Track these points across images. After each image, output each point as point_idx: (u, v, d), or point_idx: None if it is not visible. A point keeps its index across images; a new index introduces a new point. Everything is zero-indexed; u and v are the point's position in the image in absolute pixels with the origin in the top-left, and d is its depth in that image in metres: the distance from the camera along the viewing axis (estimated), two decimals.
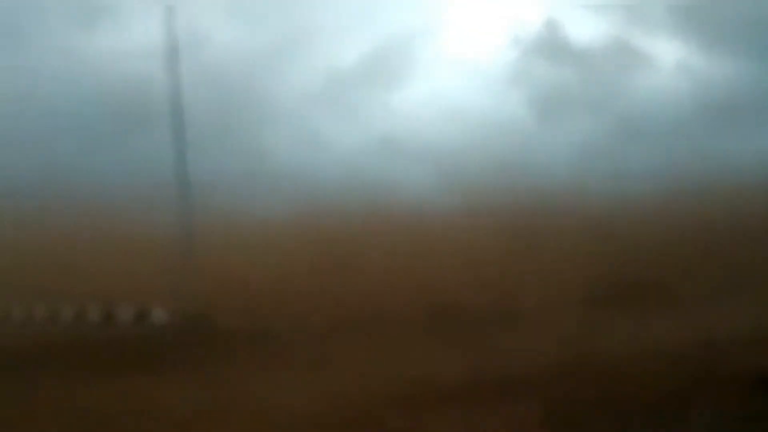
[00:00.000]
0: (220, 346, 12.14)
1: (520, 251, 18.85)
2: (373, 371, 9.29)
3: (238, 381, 9.72)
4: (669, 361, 9.47)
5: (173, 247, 14.63)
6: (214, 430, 7.90)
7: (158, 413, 8.43)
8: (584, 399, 7.97)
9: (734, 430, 7.31)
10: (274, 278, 17.27)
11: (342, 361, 10.04)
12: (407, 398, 8.20)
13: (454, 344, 11.25)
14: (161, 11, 16.36)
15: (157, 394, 9.30)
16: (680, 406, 7.67)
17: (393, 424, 7.57)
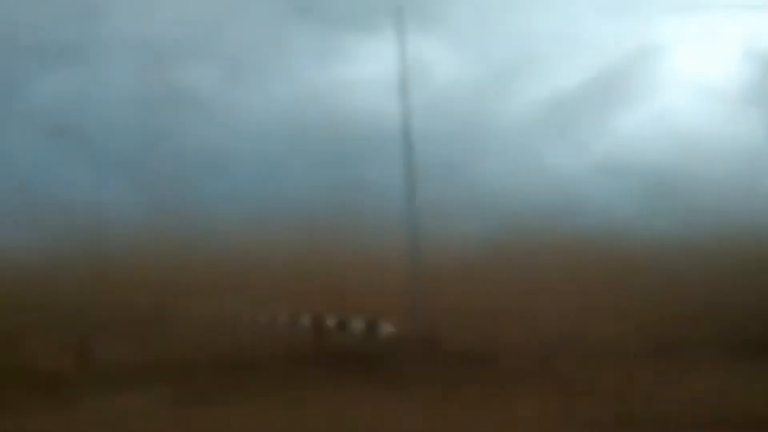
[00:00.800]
0: (446, 365, 12.31)
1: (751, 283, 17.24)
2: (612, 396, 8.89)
3: (465, 401, 9.77)
4: None
5: (402, 268, 15.17)
6: None
7: (384, 427, 8.68)
8: None
9: None
10: (499, 301, 17.30)
11: (576, 386, 9.73)
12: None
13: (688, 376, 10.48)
14: (391, 44, 17.24)
15: (382, 407, 9.58)
16: None
17: None
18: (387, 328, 15.48)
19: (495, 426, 8.33)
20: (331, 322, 16.61)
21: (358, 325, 16.27)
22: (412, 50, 17.54)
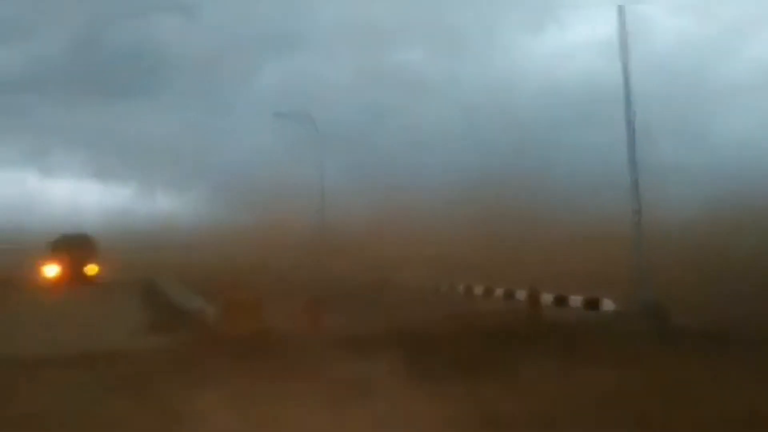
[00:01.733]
0: (673, 342, 11.61)
1: None
2: None
3: (691, 379, 9.11)
4: None
5: (625, 238, 14.49)
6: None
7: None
8: None
9: None
10: (724, 275, 15.95)
11: None
12: None
13: None
14: (606, 8, 16.24)
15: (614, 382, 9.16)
16: None
17: None
18: (608, 305, 14.88)
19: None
20: (549, 297, 16.31)
21: (577, 300, 15.84)
22: (631, 11, 16.41)
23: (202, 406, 8.49)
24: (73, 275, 33.53)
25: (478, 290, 20.41)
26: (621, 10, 13.94)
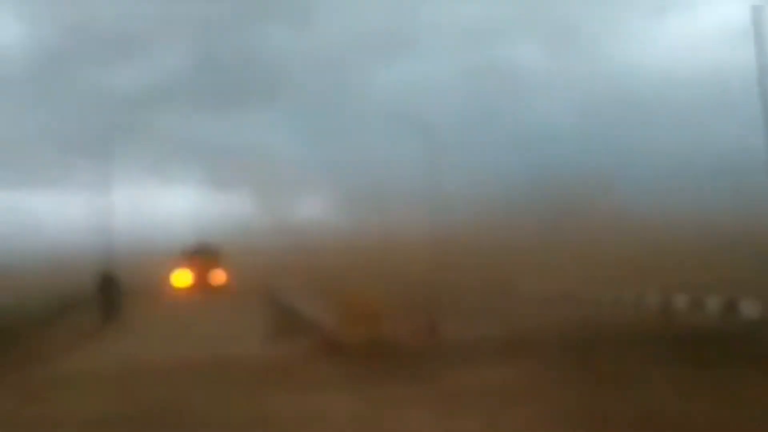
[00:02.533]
0: None
1: None
2: None
3: None
4: None
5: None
6: None
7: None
8: None
9: None
10: None
11: None
12: None
13: None
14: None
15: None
16: None
17: None
18: (747, 308, 13.59)
19: None
20: (683, 301, 15.12)
21: (714, 305, 14.57)
22: None
23: (320, 411, 8.34)
24: (203, 282, 35.66)
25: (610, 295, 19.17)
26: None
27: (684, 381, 8.97)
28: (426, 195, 40.50)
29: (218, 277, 37.20)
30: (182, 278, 36.27)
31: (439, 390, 9.32)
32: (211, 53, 61.30)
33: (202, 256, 37.34)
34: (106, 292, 21.05)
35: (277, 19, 70.91)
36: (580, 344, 12.20)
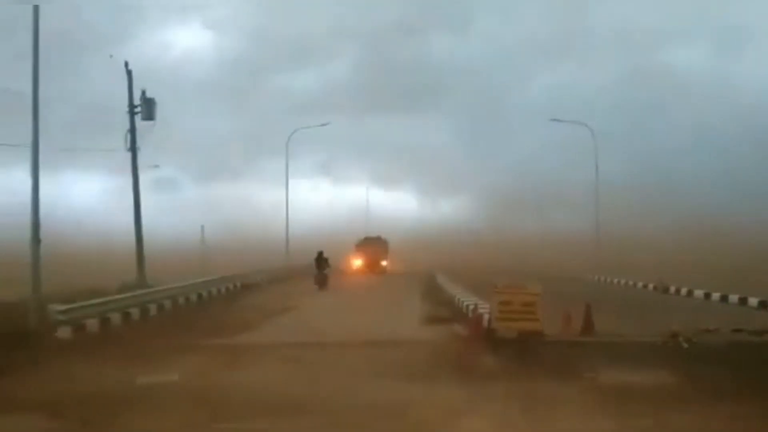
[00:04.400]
0: None
1: None
2: None
3: None
4: None
5: None
6: None
7: None
8: None
9: None
10: None
11: None
12: None
13: None
14: None
15: None
16: None
17: None
18: None
19: None
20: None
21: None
22: None
23: (472, 403, 8.41)
24: (372, 266, 44.07)
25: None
26: None
27: None
28: (587, 195, 39.26)
29: (384, 262, 45.63)
30: (356, 262, 44.88)
31: (587, 387, 9.10)
32: (380, 61, 63.02)
33: (371, 245, 46.03)
34: (321, 266, 29.26)
35: (440, 27, 71.43)
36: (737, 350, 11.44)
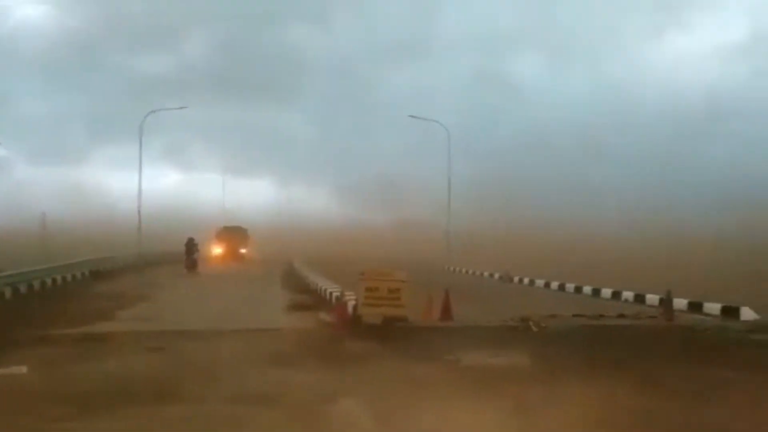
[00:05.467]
0: None
1: None
2: None
3: None
4: None
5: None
6: None
7: None
8: None
9: None
10: None
11: None
12: None
13: None
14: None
15: None
16: None
17: None
18: (745, 314, 13.62)
19: None
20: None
21: (714, 309, 14.60)
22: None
23: (344, 387, 8.36)
24: (231, 254, 43.93)
25: (606, 293, 19.40)
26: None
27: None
28: (438, 188, 40.64)
29: (243, 250, 45.94)
30: (216, 250, 44.83)
31: (451, 369, 9.35)
32: (237, 47, 61.18)
33: (231, 233, 46.25)
34: (190, 251, 31.21)
35: (300, 19, 70.72)
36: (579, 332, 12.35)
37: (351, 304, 13.71)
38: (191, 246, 31.13)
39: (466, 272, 31.95)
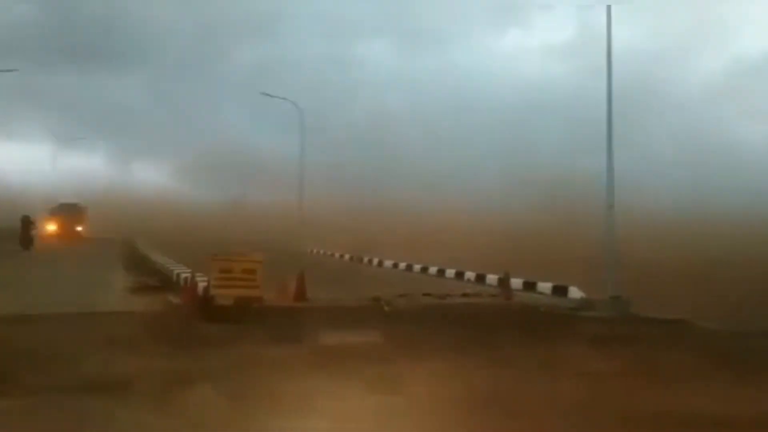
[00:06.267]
0: (634, 328, 11.55)
1: None
2: None
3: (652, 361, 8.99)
4: None
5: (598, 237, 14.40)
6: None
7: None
8: None
9: None
10: (686, 269, 16.13)
11: None
12: None
13: None
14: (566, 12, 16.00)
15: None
16: None
17: None
18: (574, 293, 14.81)
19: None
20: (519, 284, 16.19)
21: (545, 288, 15.73)
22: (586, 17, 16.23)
23: (198, 370, 8.04)
24: (66, 233, 41.61)
25: (450, 273, 20.28)
26: (609, 10, 13.48)
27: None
28: (290, 167, 40.25)
29: (80, 228, 43.93)
30: (50, 227, 42.59)
31: (308, 349, 9.27)
32: (73, 10, 56.46)
33: (66, 211, 43.89)
34: (26, 229, 30.94)
35: None
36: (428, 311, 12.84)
37: (202, 285, 13.18)
38: (27, 223, 30.83)
39: (318, 253, 31.99)
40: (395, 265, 23.84)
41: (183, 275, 15.82)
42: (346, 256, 28.71)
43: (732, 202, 25.90)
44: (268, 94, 40.04)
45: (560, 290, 15.21)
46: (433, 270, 21.28)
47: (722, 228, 22.46)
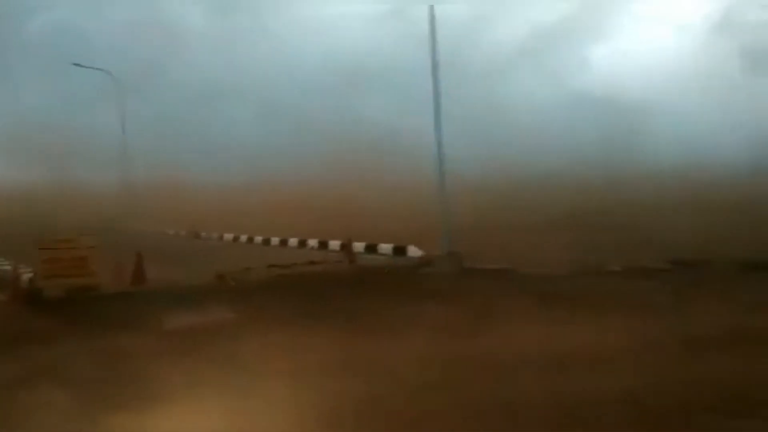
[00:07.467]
0: (469, 280, 12.28)
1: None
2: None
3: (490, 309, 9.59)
4: None
5: (431, 195, 14.95)
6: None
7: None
8: None
9: None
10: (515, 225, 17.36)
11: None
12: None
13: None
14: None
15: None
16: None
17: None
18: (413, 252, 15.37)
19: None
20: (361, 247, 16.49)
21: (386, 250, 16.17)
22: None
23: (21, 371, 7.31)
24: None
25: (293, 242, 20.16)
26: None
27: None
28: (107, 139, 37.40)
29: None
30: None
31: (154, 335, 8.78)
32: None
33: None
34: None
35: None
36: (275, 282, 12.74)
37: (27, 277, 11.95)
38: None
39: (151, 231, 30.24)
40: (236, 239, 23.23)
41: (2, 267, 14.24)
42: (182, 232, 27.45)
43: (541, 163, 28.02)
44: (80, 65, 36.61)
45: (400, 250, 15.71)
46: (275, 241, 21.03)
47: (537, 190, 24.33)
